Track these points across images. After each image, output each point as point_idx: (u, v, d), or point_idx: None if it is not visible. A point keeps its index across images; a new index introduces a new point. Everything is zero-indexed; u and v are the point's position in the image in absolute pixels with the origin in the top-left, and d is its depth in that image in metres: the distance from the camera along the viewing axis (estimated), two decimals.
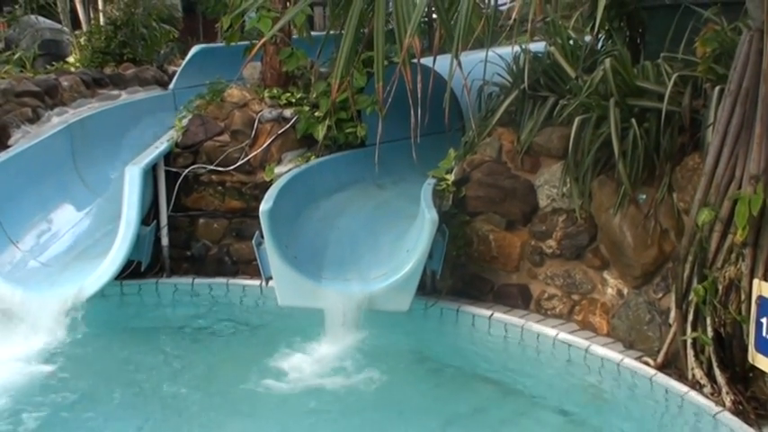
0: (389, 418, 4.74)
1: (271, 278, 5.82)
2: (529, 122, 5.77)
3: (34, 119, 7.17)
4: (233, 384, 5.00)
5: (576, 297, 5.63)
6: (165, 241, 6.72)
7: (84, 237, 6.50)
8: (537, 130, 5.69)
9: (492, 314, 5.74)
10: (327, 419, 4.69)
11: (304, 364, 5.20)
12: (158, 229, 6.67)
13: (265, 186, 6.36)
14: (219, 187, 6.76)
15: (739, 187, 4.39)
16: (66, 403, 4.83)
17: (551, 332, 5.47)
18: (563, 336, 5.41)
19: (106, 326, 5.83)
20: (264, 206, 5.72)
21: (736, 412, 4.30)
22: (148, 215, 6.58)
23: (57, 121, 7.21)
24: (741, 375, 4.46)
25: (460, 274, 6.05)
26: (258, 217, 5.71)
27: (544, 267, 5.78)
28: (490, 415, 4.82)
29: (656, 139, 5.02)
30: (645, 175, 5.09)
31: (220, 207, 6.77)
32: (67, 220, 6.60)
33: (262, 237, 5.78)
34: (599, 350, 5.18)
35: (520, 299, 5.89)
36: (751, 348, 4.32)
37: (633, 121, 5.04)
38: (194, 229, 6.82)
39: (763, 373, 4.32)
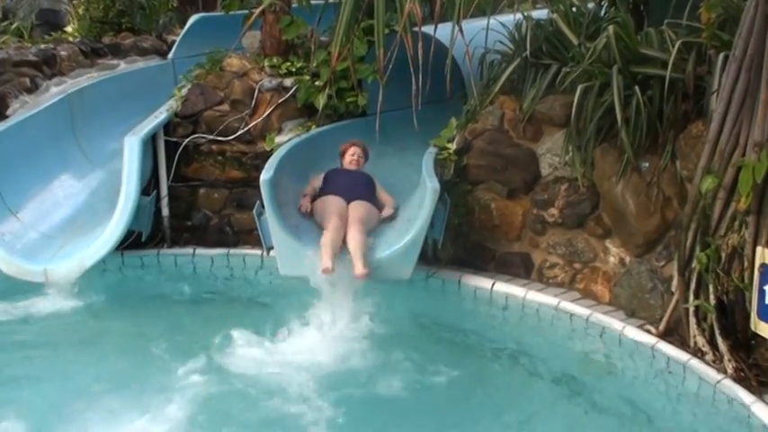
0: (384, 375, 4.76)
1: (272, 248, 5.80)
2: (531, 90, 5.72)
3: (32, 89, 7.14)
4: (230, 349, 5.00)
5: (577, 266, 5.62)
6: (165, 212, 6.70)
7: (84, 207, 6.49)
8: (539, 98, 5.65)
9: (494, 283, 5.72)
10: (323, 378, 4.68)
11: (304, 331, 5.18)
12: (158, 199, 6.65)
13: (266, 156, 6.33)
14: (220, 157, 6.73)
15: (743, 154, 4.36)
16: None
17: (552, 301, 5.46)
18: (564, 305, 5.39)
19: (107, 296, 5.82)
20: (265, 175, 5.69)
21: (738, 379, 4.32)
22: (148, 185, 6.56)
23: (55, 91, 7.18)
24: (743, 343, 4.47)
25: (462, 243, 6.03)
26: (259, 187, 5.69)
27: (546, 236, 5.76)
28: (489, 382, 4.83)
29: (660, 107, 4.99)
30: (648, 142, 5.07)
31: (221, 177, 6.75)
32: (67, 190, 6.59)
33: (262, 206, 5.75)
34: (600, 318, 5.17)
35: (521, 268, 5.88)
36: (753, 316, 4.32)
37: (636, 88, 5.00)
38: (195, 200, 6.80)
39: (765, 340, 4.33)
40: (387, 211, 5.93)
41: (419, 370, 4.83)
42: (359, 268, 5.20)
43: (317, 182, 6.14)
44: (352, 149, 6.26)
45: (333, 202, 5.78)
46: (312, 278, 5.32)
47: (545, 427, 4.40)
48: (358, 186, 6.00)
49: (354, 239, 5.38)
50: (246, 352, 4.95)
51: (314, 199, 6.01)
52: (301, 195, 6.07)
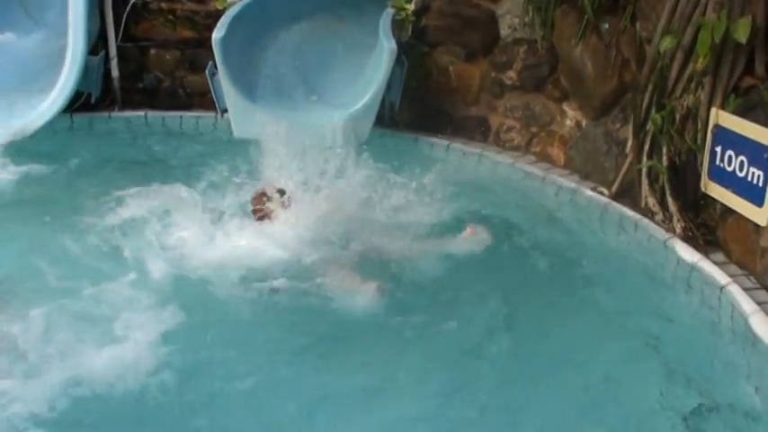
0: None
1: (226, 110, 5.69)
2: None
3: None
4: (182, 206, 4.92)
5: (534, 129, 5.62)
6: (115, 73, 6.49)
7: (29, 68, 6.26)
8: None
9: (449, 144, 5.72)
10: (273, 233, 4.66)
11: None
12: (107, 59, 6.43)
13: (218, 15, 6.08)
14: (170, 16, 6.50)
15: (704, 14, 4.31)
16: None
17: (508, 160, 5.49)
18: (520, 165, 5.43)
19: (56, 159, 5.68)
20: (217, 34, 5.51)
21: (686, 238, 4.40)
22: (96, 45, 6.32)
23: None
24: (692, 203, 4.55)
25: (419, 106, 5.98)
26: (212, 48, 5.51)
27: (504, 99, 5.73)
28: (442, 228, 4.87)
29: None
30: (608, 3, 4.98)
31: (172, 37, 6.53)
32: (9, 49, 6.34)
33: (215, 67, 5.60)
34: (555, 179, 5.22)
35: (479, 131, 5.87)
36: (704, 177, 4.39)
37: None
38: (145, 61, 6.60)
39: (713, 200, 4.41)
40: None
41: None
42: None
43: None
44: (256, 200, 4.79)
45: None
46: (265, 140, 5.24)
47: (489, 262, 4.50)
48: None
49: None
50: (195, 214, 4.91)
51: None
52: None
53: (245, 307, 4.01)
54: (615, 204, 4.83)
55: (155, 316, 3.81)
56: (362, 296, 4.08)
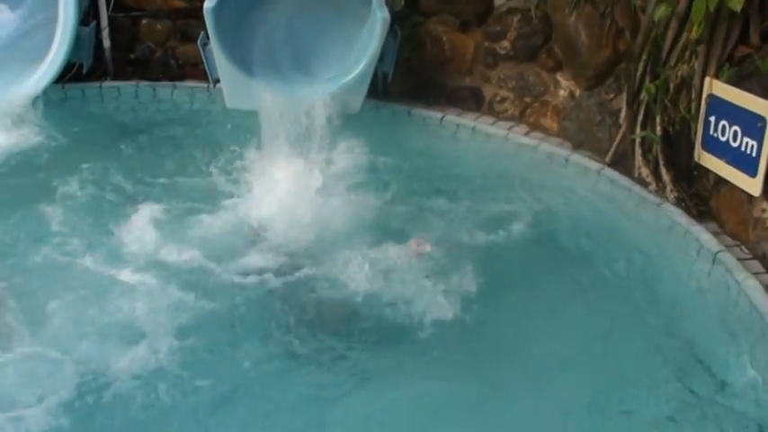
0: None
1: (218, 81, 5.65)
2: None
3: None
4: (174, 177, 5.01)
5: (528, 99, 5.60)
6: (106, 43, 6.44)
7: (20, 38, 6.20)
8: None
9: (443, 116, 5.69)
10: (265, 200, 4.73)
11: (248, 163, 5.14)
12: (99, 30, 6.37)
13: None
14: None
15: None
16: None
17: (501, 132, 5.47)
18: (512, 136, 5.42)
19: (48, 129, 5.65)
20: (208, 4, 5.42)
21: (678, 208, 4.41)
22: (87, 15, 6.26)
23: None
24: (686, 173, 4.54)
25: (413, 77, 5.95)
26: (203, 17, 5.47)
27: (497, 70, 5.70)
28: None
29: None
30: None
31: (163, 7, 6.48)
32: None
33: (207, 37, 5.55)
34: (548, 148, 5.21)
35: (472, 102, 5.84)
36: (697, 146, 4.38)
37: None
38: (137, 31, 6.55)
39: (706, 171, 4.40)
40: None
41: None
42: None
43: None
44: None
45: None
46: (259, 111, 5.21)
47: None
48: None
49: None
50: (194, 183, 4.91)
51: None
52: None
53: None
54: (609, 170, 4.83)
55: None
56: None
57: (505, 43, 5.56)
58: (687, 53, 4.40)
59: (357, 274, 4.02)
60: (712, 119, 4.27)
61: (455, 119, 5.68)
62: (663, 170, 4.54)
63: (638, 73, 4.61)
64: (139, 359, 3.40)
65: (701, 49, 4.30)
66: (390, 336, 3.70)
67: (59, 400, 3.14)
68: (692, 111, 4.38)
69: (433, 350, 3.59)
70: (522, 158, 5.32)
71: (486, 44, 5.67)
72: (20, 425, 3.02)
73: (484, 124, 5.60)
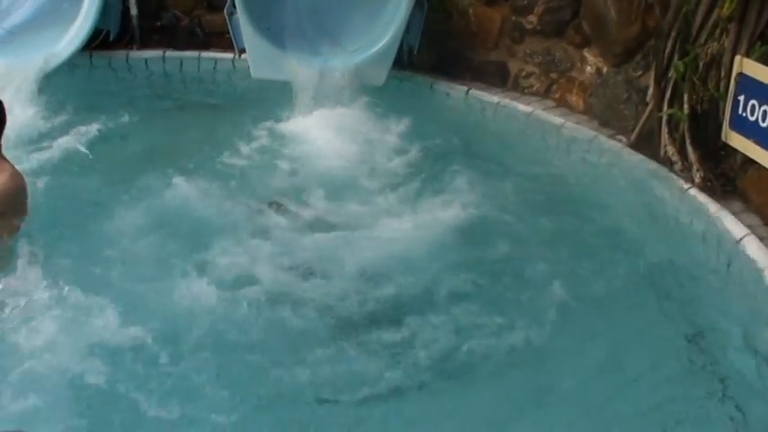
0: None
1: (244, 50, 5.66)
2: None
3: None
4: (204, 148, 5.03)
5: (554, 75, 5.55)
6: (133, 11, 6.41)
7: (48, 5, 6.21)
8: None
9: (468, 90, 5.66)
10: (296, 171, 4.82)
11: (274, 135, 5.16)
12: None
13: None
14: None
15: None
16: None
17: (527, 108, 5.43)
18: (538, 112, 5.38)
19: (76, 96, 5.67)
20: None
21: (704, 188, 4.36)
22: None
23: None
24: (712, 153, 4.49)
25: (438, 50, 5.91)
26: None
27: (524, 45, 5.65)
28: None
29: None
30: None
31: None
32: None
33: (234, 6, 5.56)
34: (573, 126, 5.17)
35: (498, 77, 5.80)
36: (725, 126, 4.33)
37: None
38: None
39: (734, 150, 4.35)
40: None
41: None
42: None
43: None
44: None
45: None
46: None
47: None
48: None
49: None
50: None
51: None
52: None
53: None
54: (632, 152, 4.80)
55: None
56: None
57: (532, 18, 5.51)
58: (717, 30, 4.34)
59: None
60: (741, 98, 4.21)
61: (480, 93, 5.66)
62: (689, 149, 4.49)
63: (667, 50, 4.56)
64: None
65: (731, 26, 4.24)
66: None
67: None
68: (721, 89, 4.32)
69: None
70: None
71: (513, 18, 5.63)
72: None
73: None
